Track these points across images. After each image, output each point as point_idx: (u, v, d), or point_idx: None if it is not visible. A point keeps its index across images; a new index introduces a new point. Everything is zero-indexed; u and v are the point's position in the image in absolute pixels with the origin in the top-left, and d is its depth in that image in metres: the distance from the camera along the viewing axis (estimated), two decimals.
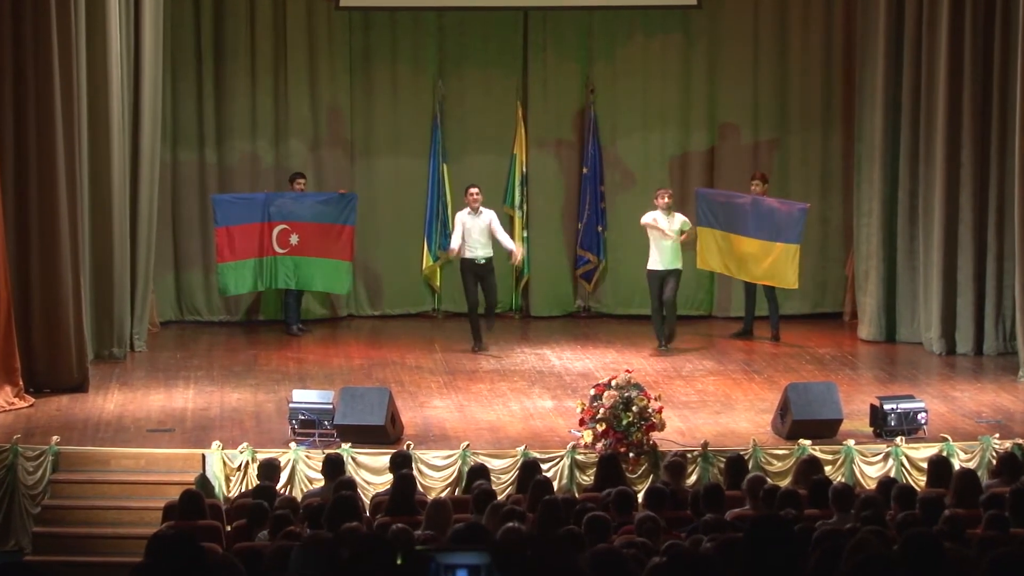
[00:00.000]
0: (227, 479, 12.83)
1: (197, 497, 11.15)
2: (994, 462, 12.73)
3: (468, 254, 16.93)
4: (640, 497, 11.26)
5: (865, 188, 17.82)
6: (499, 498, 11.07)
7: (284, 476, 12.71)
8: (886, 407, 13.57)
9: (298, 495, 12.25)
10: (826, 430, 13.51)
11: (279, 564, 7.94)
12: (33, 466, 12.97)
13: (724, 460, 12.56)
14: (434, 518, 9.96)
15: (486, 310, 17.08)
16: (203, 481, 12.73)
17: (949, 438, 13.34)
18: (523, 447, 13.06)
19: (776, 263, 17.19)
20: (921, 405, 13.72)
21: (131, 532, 12.24)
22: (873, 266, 17.75)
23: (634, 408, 13.11)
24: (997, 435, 13.40)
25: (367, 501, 11.85)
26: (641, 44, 19.21)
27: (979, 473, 12.37)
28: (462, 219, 16.97)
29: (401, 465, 12.00)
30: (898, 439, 13.29)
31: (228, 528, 11.13)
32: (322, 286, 18.18)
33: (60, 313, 14.94)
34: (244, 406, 14.75)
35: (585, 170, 19.21)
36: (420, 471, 12.77)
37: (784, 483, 11.94)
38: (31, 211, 14.84)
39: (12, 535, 12.93)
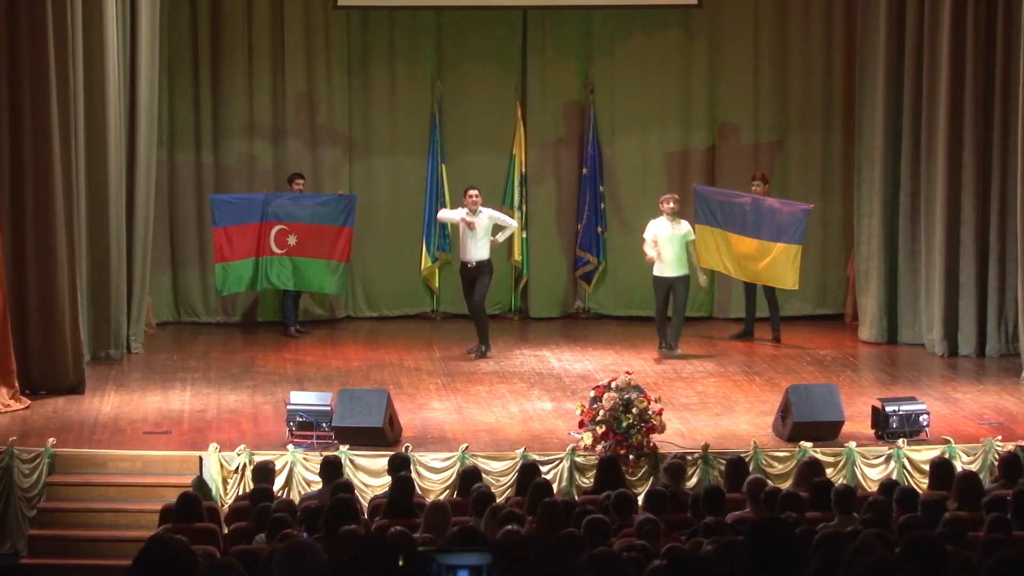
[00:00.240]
0: (224, 481, 12.83)
1: (194, 500, 11.16)
2: (996, 464, 12.74)
3: (463, 257, 16.87)
4: (640, 500, 11.27)
5: (866, 189, 17.83)
6: (498, 501, 11.08)
7: (282, 479, 12.71)
8: (888, 409, 13.57)
9: (296, 498, 12.25)
10: (827, 432, 13.51)
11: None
12: (29, 468, 12.97)
13: (724, 462, 12.56)
14: (433, 521, 9.97)
15: (471, 309, 16.96)
16: (200, 483, 12.74)
17: (951, 440, 13.34)
18: (522, 449, 13.06)
19: (776, 263, 17.20)
20: (923, 407, 13.72)
21: (128, 535, 12.22)
22: (874, 267, 17.75)
23: (634, 410, 13.11)
24: (999, 437, 13.40)
25: (365, 504, 11.86)
26: (641, 43, 19.22)
27: (981, 476, 12.38)
28: (461, 216, 16.82)
29: (399, 467, 12.01)
30: (900, 441, 13.29)
31: (225, 531, 11.15)
32: (317, 287, 18.18)
33: (56, 314, 14.94)
34: (241, 408, 14.75)
35: (585, 170, 19.22)
36: (419, 473, 12.77)
37: (785, 485, 11.94)
38: (27, 212, 14.85)
39: (8, 538, 12.93)
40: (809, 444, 13.17)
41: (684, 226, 16.92)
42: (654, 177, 19.31)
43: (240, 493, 12.54)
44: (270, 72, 18.83)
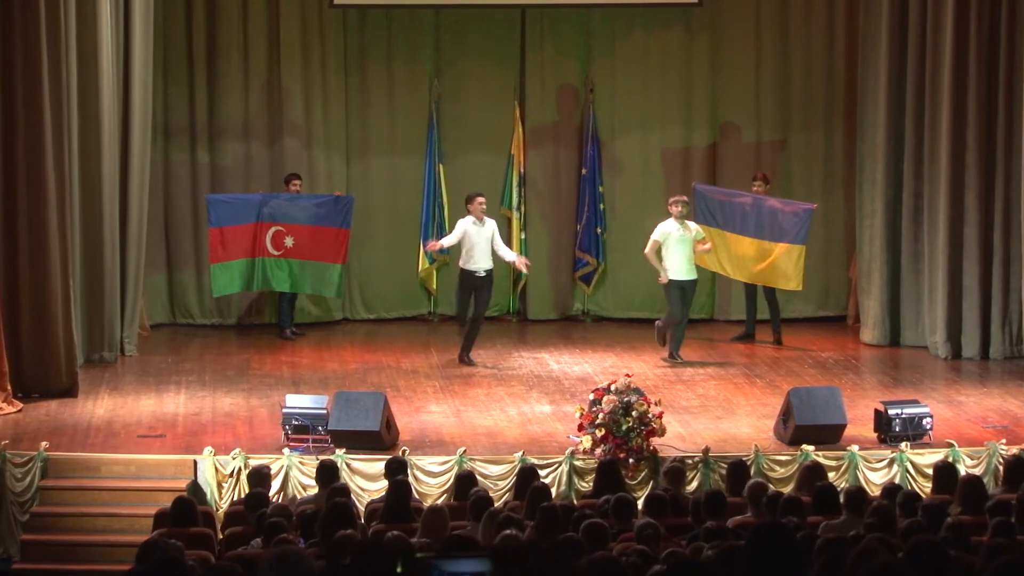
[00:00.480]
0: (219, 486, 12.82)
1: (189, 504, 11.15)
2: (1001, 468, 12.75)
3: (469, 265, 16.59)
4: (640, 504, 11.27)
5: (868, 189, 17.83)
6: (496, 505, 11.07)
7: (277, 483, 12.71)
8: (891, 412, 13.57)
9: (292, 502, 12.23)
10: (829, 435, 13.51)
11: None
12: (21, 472, 12.96)
13: (725, 466, 12.57)
14: (430, 525, 9.96)
15: (472, 321, 16.69)
16: (195, 488, 12.73)
17: (955, 444, 13.34)
18: (521, 453, 13.06)
19: (779, 264, 17.19)
20: (926, 410, 13.72)
21: (121, 539, 12.22)
22: (876, 268, 17.75)
23: (634, 413, 13.11)
24: (1004, 441, 13.40)
25: (362, 508, 11.85)
26: (641, 41, 19.22)
27: (985, 480, 12.37)
28: (465, 227, 16.62)
29: (396, 471, 12.01)
30: (903, 445, 13.29)
31: (220, 536, 11.15)
32: (312, 289, 18.17)
33: (49, 316, 14.94)
34: (237, 411, 14.75)
35: (584, 171, 19.22)
36: (416, 477, 12.77)
37: (787, 490, 11.95)
38: (19, 213, 14.84)
39: (0, 543, 12.91)
40: (811, 447, 13.17)
41: (693, 227, 16.85)
42: (654, 177, 19.31)
43: (235, 497, 12.54)
44: (266, 71, 18.82)
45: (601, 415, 13.18)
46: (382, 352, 17.42)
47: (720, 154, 19.29)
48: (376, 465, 12.80)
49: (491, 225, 16.77)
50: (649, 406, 13.23)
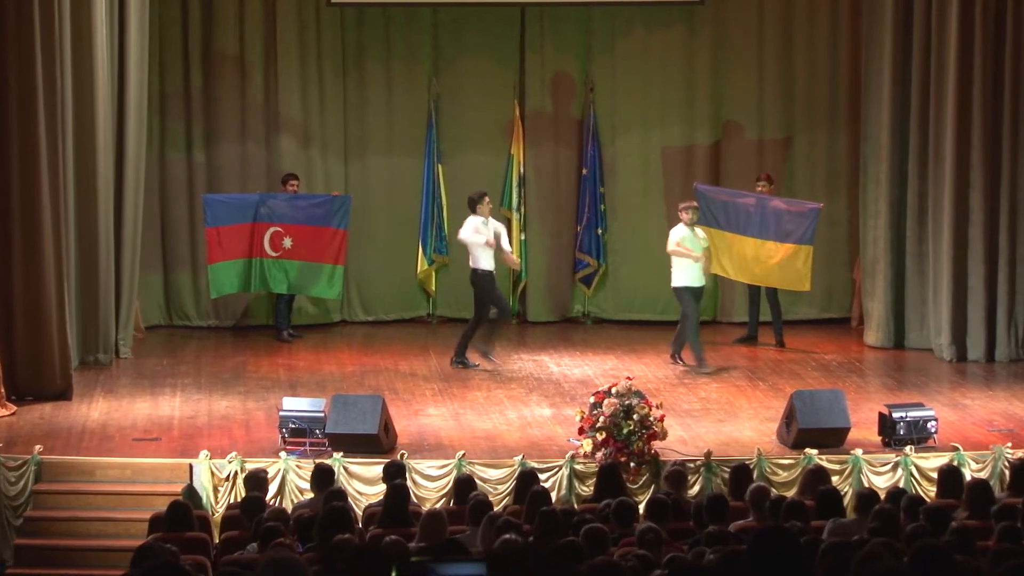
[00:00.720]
0: (215, 490, 12.82)
1: (184, 508, 11.14)
2: (1006, 472, 12.74)
3: (486, 265, 16.46)
4: (641, 508, 11.26)
5: (872, 189, 17.82)
6: (495, 509, 11.07)
7: (274, 487, 12.70)
8: (895, 415, 13.57)
9: (289, 506, 12.23)
10: (833, 439, 13.50)
11: None
12: (15, 476, 12.95)
13: (728, 470, 12.57)
14: (429, 530, 9.96)
15: (478, 321, 16.63)
16: (190, 492, 12.72)
17: (960, 447, 13.33)
18: (520, 457, 13.06)
19: (785, 265, 17.17)
20: (931, 413, 13.72)
21: (116, 544, 12.23)
22: (880, 270, 17.74)
23: (635, 416, 13.11)
24: (1009, 444, 13.39)
25: (359, 512, 11.85)
26: (642, 40, 19.21)
27: (991, 484, 12.35)
28: (476, 225, 16.50)
29: (394, 475, 12.00)
30: (907, 448, 13.29)
31: (216, 540, 11.14)
32: (313, 291, 18.18)
33: (43, 318, 14.93)
34: (233, 414, 14.74)
35: (584, 171, 19.21)
36: (414, 481, 12.76)
37: (790, 494, 11.94)
38: (13, 213, 14.83)
39: None
40: (814, 451, 13.16)
41: (701, 234, 16.76)
42: (655, 178, 19.30)
43: (231, 501, 12.53)
44: (262, 70, 18.82)
45: (602, 418, 13.17)
46: (380, 354, 17.42)
47: (722, 154, 19.27)
48: (374, 469, 12.79)
49: (494, 225, 16.70)
50: (650, 409, 13.23)
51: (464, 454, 13.08)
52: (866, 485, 12.92)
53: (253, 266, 17.77)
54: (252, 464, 12.73)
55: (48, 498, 12.97)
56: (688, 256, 16.44)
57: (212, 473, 12.85)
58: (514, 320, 18.43)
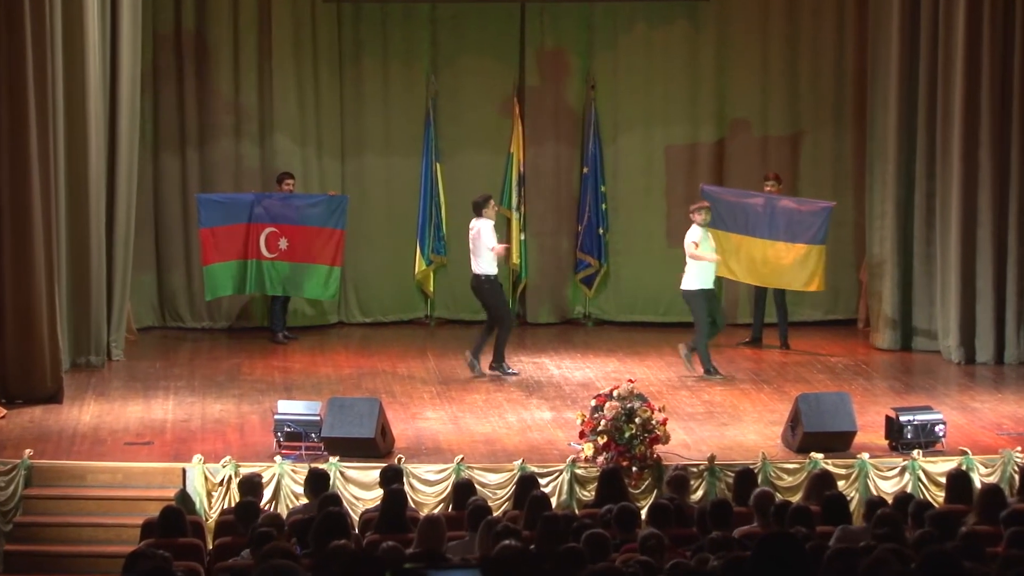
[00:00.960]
0: (209, 495, 12.80)
1: (177, 514, 11.11)
2: (1016, 477, 12.72)
3: (495, 270, 16.38)
4: (643, 513, 11.23)
5: (878, 189, 17.80)
6: (495, 515, 11.05)
7: (269, 492, 12.69)
8: (902, 419, 13.54)
9: (284, 511, 12.22)
10: (839, 443, 13.48)
11: None
12: (4, 481, 12.93)
13: (732, 475, 12.55)
14: (427, 535, 9.93)
15: (490, 325, 16.49)
16: (183, 497, 12.70)
17: (969, 451, 13.31)
18: (520, 461, 13.03)
19: (797, 265, 17.14)
20: (939, 417, 13.70)
21: (108, 550, 12.20)
22: (887, 271, 17.72)
23: (637, 420, 13.09)
24: (1019, 448, 13.37)
25: (356, 518, 11.83)
26: (644, 36, 19.20)
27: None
28: (489, 228, 16.35)
29: (392, 480, 11.99)
30: (915, 452, 13.26)
31: (210, 546, 11.12)
32: (310, 293, 18.17)
33: (33, 319, 14.91)
34: (227, 418, 14.73)
35: (585, 169, 19.20)
36: (412, 486, 12.74)
37: (795, 499, 11.92)
38: (3, 212, 14.82)
39: None
40: (820, 455, 13.14)
41: (710, 236, 16.66)
42: (658, 177, 19.29)
43: (225, 507, 12.51)
44: (257, 67, 18.81)
45: (603, 422, 13.15)
46: (377, 357, 17.41)
47: (726, 153, 19.27)
48: (371, 473, 12.77)
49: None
50: (653, 412, 13.20)
51: (463, 458, 13.06)
52: (873, 490, 12.91)
53: (249, 267, 17.77)
54: (246, 468, 12.71)
55: (38, 503, 12.95)
56: (706, 259, 16.27)
57: (206, 478, 12.83)
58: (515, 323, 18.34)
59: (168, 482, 12.97)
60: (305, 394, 15.14)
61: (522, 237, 19.15)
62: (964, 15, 16.70)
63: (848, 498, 12.07)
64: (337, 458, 12.99)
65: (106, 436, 14.07)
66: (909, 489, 12.83)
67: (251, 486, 12.13)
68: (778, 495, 11.69)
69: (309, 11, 18.90)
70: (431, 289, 19.29)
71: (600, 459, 13.04)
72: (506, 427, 14.46)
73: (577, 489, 12.96)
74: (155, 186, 18.74)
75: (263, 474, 12.63)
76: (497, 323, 16.38)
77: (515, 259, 18.95)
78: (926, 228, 17.49)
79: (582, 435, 13.30)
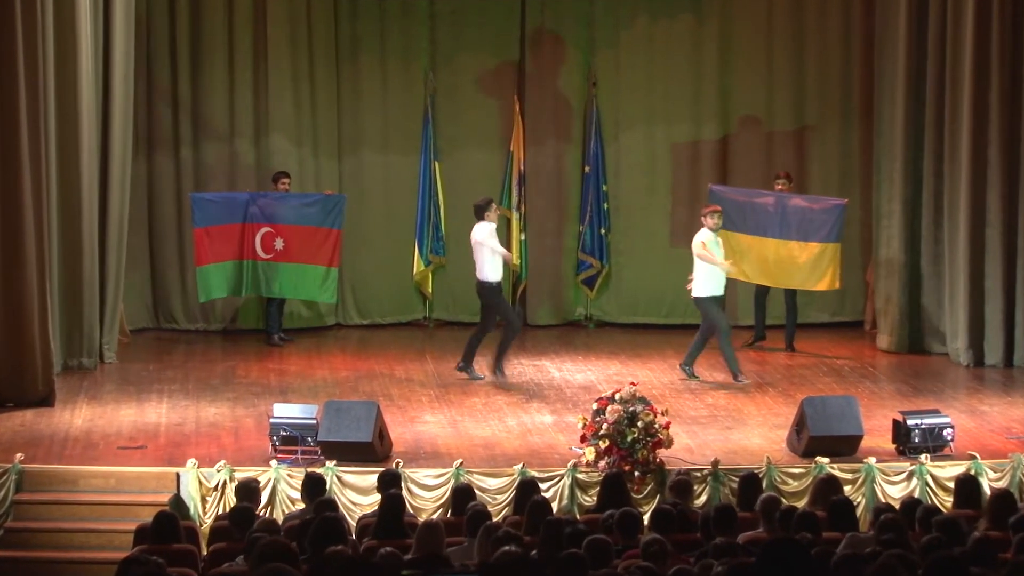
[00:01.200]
0: (203, 499, 12.80)
1: (171, 519, 11.11)
2: None
3: (497, 276, 16.22)
4: (646, 519, 11.24)
5: (886, 188, 17.80)
6: (494, 520, 11.05)
7: (264, 496, 12.68)
8: (910, 423, 13.55)
9: (279, 517, 12.22)
10: (845, 447, 13.48)
11: None
12: None
13: (736, 479, 12.55)
14: (425, 541, 9.94)
15: (481, 336, 16.42)
16: (177, 502, 12.71)
17: (977, 456, 13.31)
18: (520, 465, 13.04)
19: (813, 265, 17.15)
20: (947, 420, 13.70)
21: (100, 556, 12.21)
22: (895, 271, 17.72)
23: (639, 423, 13.09)
24: None
25: (353, 523, 11.83)
26: (646, 30, 19.21)
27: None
28: (493, 232, 16.25)
29: (389, 484, 11.98)
30: (923, 457, 13.27)
31: (204, 552, 11.13)
32: (307, 294, 18.17)
33: (24, 321, 14.91)
34: (221, 421, 14.73)
35: (587, 168, 19.21)
36: (410, 491, 12.75)
37: (800, 504, 11.93)
38: None
39: None
40: (826, 460, 13.15)
41: (719, 241, 16.59)
42: (661, 175, 19.29)
43: (220, 512, 12.52)
44: (252, 64, 18.81)
45: (605, 425, 13.16)
46: (375, 359, 17.41)
47: (731, 150, 19.26)
48: (368, 478, 12.78)
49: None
50: (655, 416, 13.21)
51: (462, 463, 13.07)
52: (880, 495, 12.91)
53: (244, 269, 17.77)
54: (241, 473, 12.72)
55: (29, 509, 12.95)
56: (713, 261, 16.13)
57: (200, 482, 12.83)
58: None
59: (162, 487, 12.98)
60: (301, 397, 15.15)
61: (522, 237, 19.16)
62: (973, 9, 16.69)
63: (855, 503, 12.07)
64: (334, 462, 12.99)
65: (98, 440, 14.08)
66: (917, 494, 12.83)
67: (248, 491, 12.13)
68: (783, 500, 11.68)
69: (305, 7, 18.91)
70: (430, 290, 19.29)
71: (602, 463, 13.05)
72: (506, 431, 14.47)
73: (578, 494, 12.96)
74: (149, 185, 18.74)
75: (259, 479, 12.63)
76: (504, 327, 16.32)
77: (515, 260, 18.95)
78: (934, 228, 17.50)
79: (583, 439, 13.30)
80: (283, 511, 12.59)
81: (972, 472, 12.84)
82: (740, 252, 17.26)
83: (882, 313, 17.95)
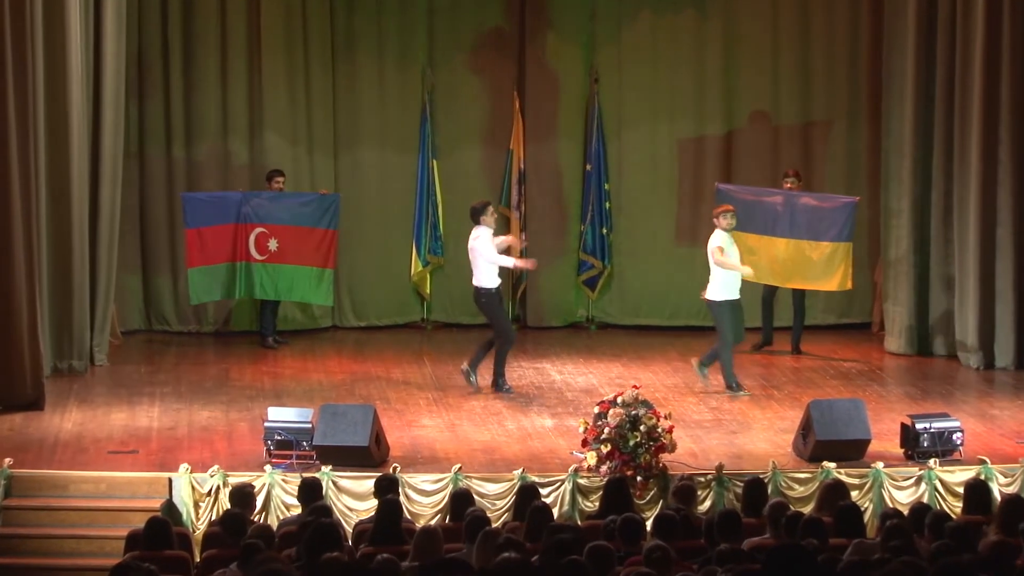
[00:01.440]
0: (196, 505, 12.81)
1: (163, 525, 11.12)
2: None
3: (493, 283, 15.99)
4: (648, 525, 11.24)
5: (894, 187, 17.80)
6: (494, 526, 11.05)
7: (259, 502, 12.68)
8: (918, 426, 13.55)
9: (274, 523, 12.22)
10: (852, 451, 13.49)
11: None
12: None
13: (741, 484, 12.55)
14: (423, 548, 9.94)
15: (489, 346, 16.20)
16: (170, 507, 12.71)
17: (987, 460, 13.32)
18: (520, 470, 13.04)
19: (822, 264, 17.16)
20: (956, 424, 13.70)
21: (91, 563, 12.23)
22: (903, 272, 17.73)
23: (642, 427, 13.09)
24: None
25: (349, 529, 11.84)
26: (649, 26, 19.21)
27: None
28: (490, 237, 16.09)
29: (387, 490, 11.97)
30: (931, 461, 13.27)
31: (197, 559, 11.13)
32: (301, 296, 18.17)
33: (13, 323, 14.91)
34: (215, 425, 14.73)
35: (588, 167, 19.21)
36: (407, 496, 12.76)
37: (806, 509, 11.93)
38: None
39: None
40: (833, 464, 13.15)
41: (734, 241, 16.46)
42: (664, 173, 19.29)
43: (213, 518, 12.52)
44: (246, 61, 18.81)
45: (607, 429, 13.16)
46: (371, 362, 17.42)
47: (735, 149, 19.26)
48: (365, 483, 12.78)
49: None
50: (658, 420, 13.21)
51: (460, 467, 13.07)
52: (888, 500, 12.92)
53: (238, 271, 17.77)
54: (235, 478, 12.72)
55: (18, 514, 12.96)
56: (736, 268, 15.91)
57: (193, 488, 12.84)
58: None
59: (154, 492, 12.98)
60: (296, 401, 15.14)
61: (523, 237, 19.14)
62: (983, 5, 16.69)
63: (862, 509, 12.07)
64: (330, 467, 13.00)
65: (89, 444, 14.08)
66: (926, 499, 12.84)
67: (243, 496, 12.13)
68: (789, 505, 11.68)
69: (300, 1, 18.90)
70: (427, 291, 19.30)
71: (603, 468, 13.05)
72: (506, 435, 14.47)
73: (580, 499, 12.97)
74: (140, 185, 18.73)
75: (253, 484, 12.63)
76: (497, 337, 16.07)
77: (518, 260, 18.94)
78: (943, 228, 17.49)
79: (585, 443, 13.30)
80: (278, 517, 12.59)
81: (982, 477, 12.86)
82: (748, 252, 17.20)
83: (890, 315, 17.96)
